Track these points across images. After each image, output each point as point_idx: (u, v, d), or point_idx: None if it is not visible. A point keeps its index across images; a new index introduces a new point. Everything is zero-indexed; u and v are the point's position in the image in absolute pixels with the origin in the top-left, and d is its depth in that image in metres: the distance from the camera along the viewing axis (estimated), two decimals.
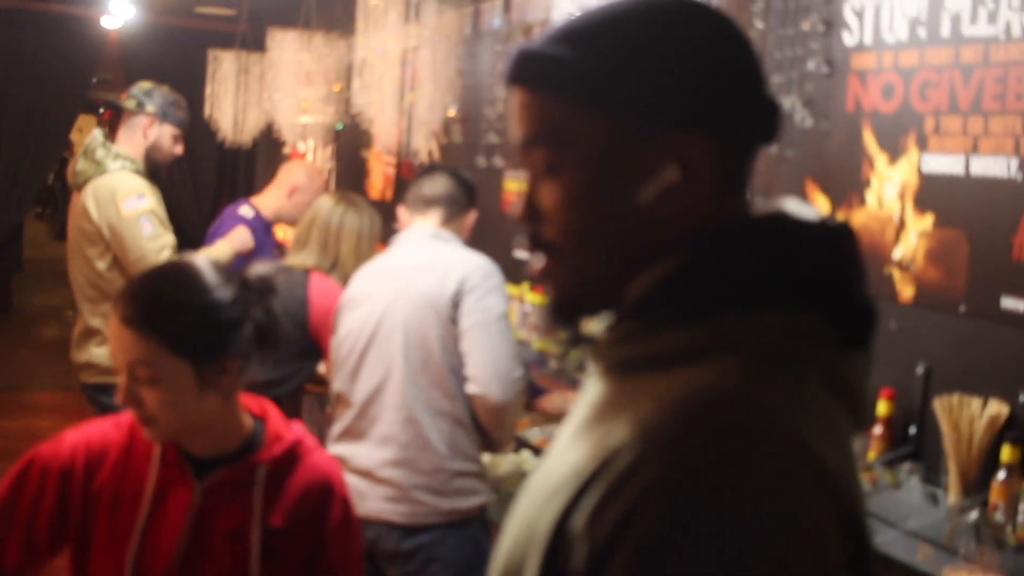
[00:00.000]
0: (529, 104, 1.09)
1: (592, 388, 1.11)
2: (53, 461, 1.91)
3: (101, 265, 4.07)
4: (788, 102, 3.22)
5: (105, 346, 4.07)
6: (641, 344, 1.04)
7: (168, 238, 4.06)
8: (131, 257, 3.99)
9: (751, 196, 1.11)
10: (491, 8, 5.14)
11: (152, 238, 4.00)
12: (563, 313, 1.12)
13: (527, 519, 1.04)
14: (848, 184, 3.07)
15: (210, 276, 1.86)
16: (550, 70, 1.06)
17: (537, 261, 1.11)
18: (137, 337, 1.78)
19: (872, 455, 2.80)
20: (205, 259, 1.93)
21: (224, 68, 7.64)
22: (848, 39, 3.09)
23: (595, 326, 1.12)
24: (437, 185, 3.23)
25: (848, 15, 3.08)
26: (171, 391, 1.80)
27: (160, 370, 1.79)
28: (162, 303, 1.82)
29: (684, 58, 1.04)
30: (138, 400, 1.81)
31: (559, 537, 0.96)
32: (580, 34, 1.06)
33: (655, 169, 1.04)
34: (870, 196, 2.99)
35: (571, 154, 1.06)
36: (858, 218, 3.03)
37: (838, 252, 1.06)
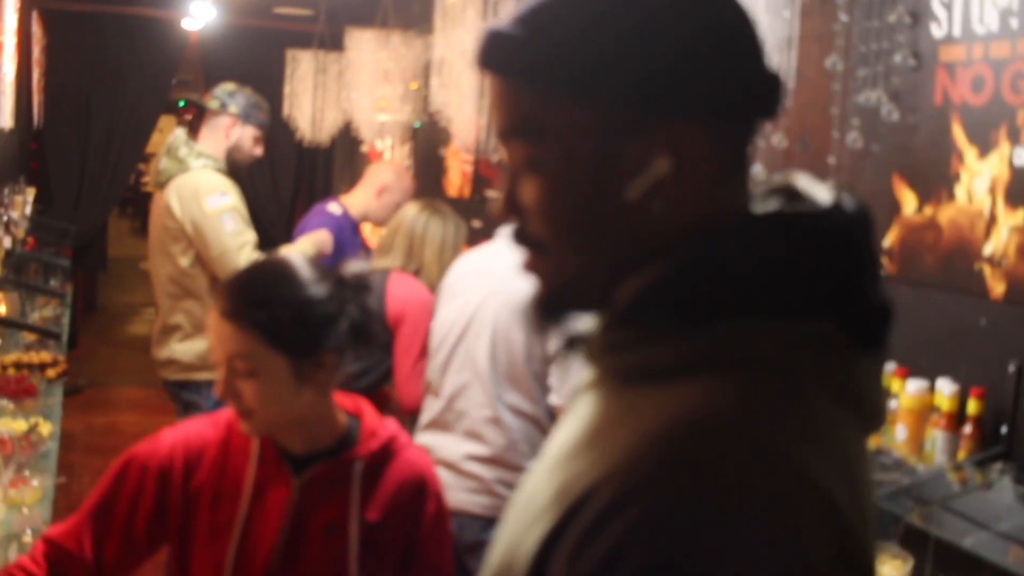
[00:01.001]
0: (503, 92, 0.98)
1: (586, 398, 1.02)
2: (152, 460, 1.95)
3: (184, 262, 4.13)
4: (874, 96, 3.18)
5: (187, 342, 4.13)
6: (631, 355, 0.95)
7: (249, 235, 4.11)
8: (213, 253, 4.04)
9: (750, 180, 1.02)
10: None
11: (234, 235, 4.05)
12: (548, 311, 1.03)
13: (512, 540, 0.96)
14: (936, 179, 3.01)
15: (307, 272, 1.89)
16: (522, 56, 0.95)
17: (522, 256, 1.03)
18: (236, 330, 1.82)
19: (962, 455, 2.75)
20: (302, 256, 1.97)
21: (302, 68, 7.72)
22: (936, 31, 3.03)
23: (587, 324, 1.04)
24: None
25: (936, 7, 3.03)
26: (269, 384, 1.83)
27: (258, 363, 1.82)
28: (261, 297, 1.86)
29: (673, 38, 0.93)
30: (236, 393, 1.84)
31: (540, 566, 0.88)
32: (557, 13, 0.95)
33: (644, 162, 0.94)
34: (959, 191, 2.94)
35: (550, 148, 0.96)
36: (947, 213, 2.97)
37: (851, 246, 0.97)
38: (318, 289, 1.88)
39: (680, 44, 0.93)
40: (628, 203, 0.94)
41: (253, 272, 1.96)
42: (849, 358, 0.95)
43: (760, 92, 0.98)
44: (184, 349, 4.13)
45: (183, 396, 4.17)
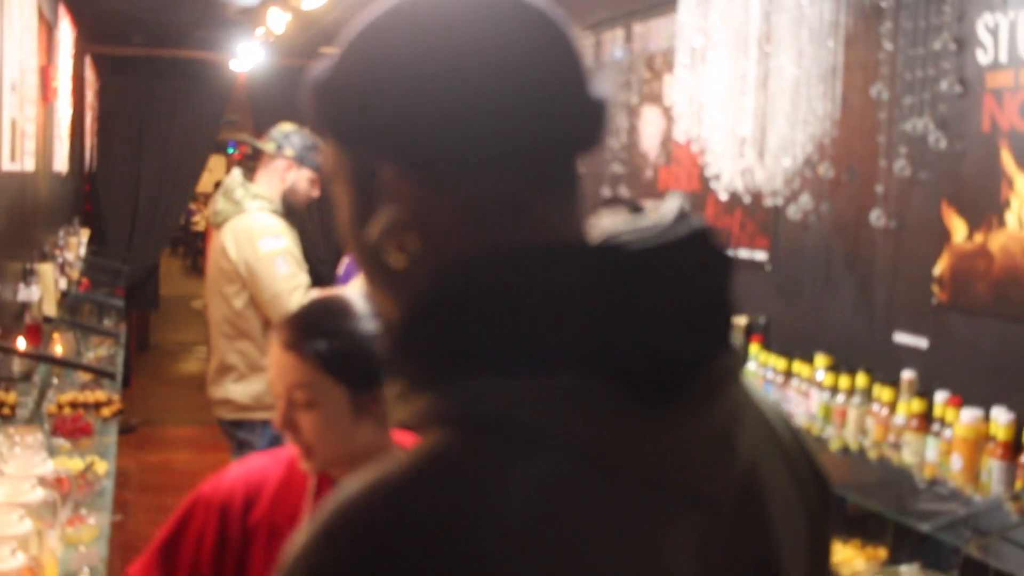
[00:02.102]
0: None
1: None
2: (215, 496, 1.98)
3: (238, 303, 4.17)
4: (921, 124, 3.16)
5: (242, 383, 4.16)
6: (398, 410, 0.87)
7: (302, 278, 4.14)
8: (265, 296, 4.08)
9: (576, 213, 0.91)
10: (612, 38, 5.16)
11: (287, 277, 4.08)
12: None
13: None
14: (986, 205, 2.99)
15: (364, 306, 1.92)
16: (308, 86, 0.93)
17: None
18: (296, 360, 1.85)
19: (1020, 484, 2.71)
20: (361, 292, 1.99)
21: None
22: (982, 57, 3.02)
23: None
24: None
25: (982, 33, 3.01)
26: (327, 416, 1.85)
27: (317, 394, 1.85)
28: (320, 328, 1.89)
29: (388, 79, 0.87)
30: (295, 425, 1.86)
31: None
32: (340, 43, 0.93)
33: (371, 204, 0.89)
34: (1010, 217, 2.91)
35: (337, 188, 0.94)
36: (997, 240, 2.95)
37: (644, 284, 0.84)
38: (376, 322, 1.91)
39: (392, 87, 0.87)
40: (370, 245, 0.89)
41: (314, 306, 2.00)
42: (614, 417, 0.81)
43: (542, 125, 0.88)
44: (239, 390, 4.17)
45: (238, 435, 4.20)
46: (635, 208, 0.94)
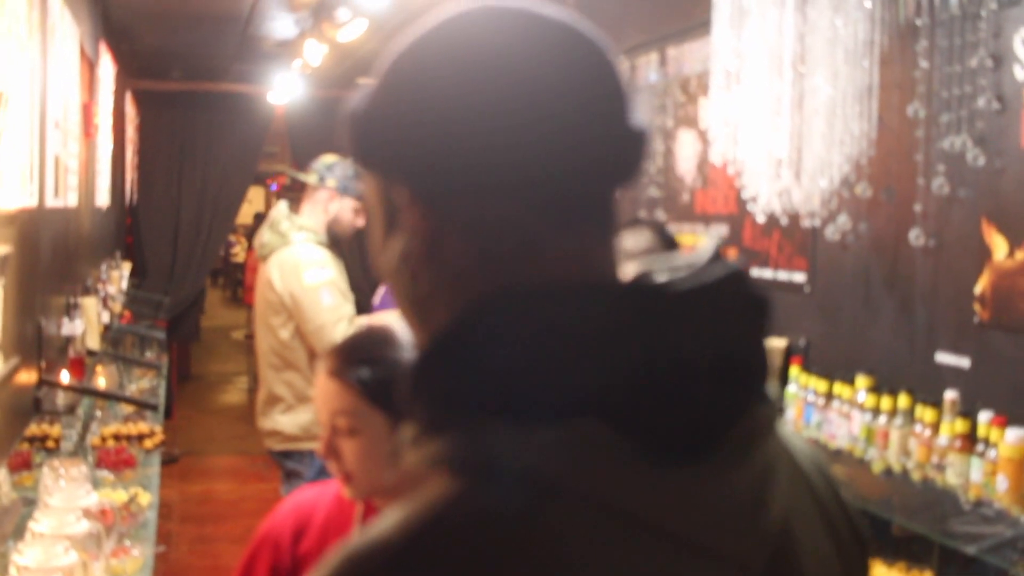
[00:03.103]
0: None
1: None
2: (270, 531, 2.02)
3: (284, 334, 4.20)
4: (959, 141, 3.14)
5: (290, 414, 4.19)
6: (411, 455, 0.84)
7: (347, 309, 4.17)
8: (310, 327, 4.11)
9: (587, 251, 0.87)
10: (647, 62, 5.17)
11: (331, 309, 4.11)
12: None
13: None
14: None
15: (408, 336, 1.94)
16: (344, 114, 0.93)
17: None
18: (340, 387, 1.88)
19: None
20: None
21: None
22: (1020, 73, 2.99)
23: None
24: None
25: (1018, 48, 2.99)
26: (369, 443, 1.87)
27: (360, 421, 1.87)
28: (364, 356, 1.91)
29: (409, 106, 0.86)
30: (337, 452, 1.89)
31: None
32: (377, 72, 0.92)
33: (392, 231, 0.88)
34: None
35: (368, 214, 0.94)
36: None
37: (680, 328, 0.80)
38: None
39: (422, 119, 0.85)
40: (394, 275, 0.89)
41: (359, 334, 2.03)
42: (635, 472, 0.77)
43: (569, 159, 0.85)
44: (287, 421, 4.20)
45: (287, 465, 4.23)
46: (658, 229, 0.92)
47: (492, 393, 0.78)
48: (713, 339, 0.81)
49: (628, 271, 0.87)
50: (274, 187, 19.23)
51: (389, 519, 0.78)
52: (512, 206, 0.84)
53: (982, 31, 3.08)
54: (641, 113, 0.90)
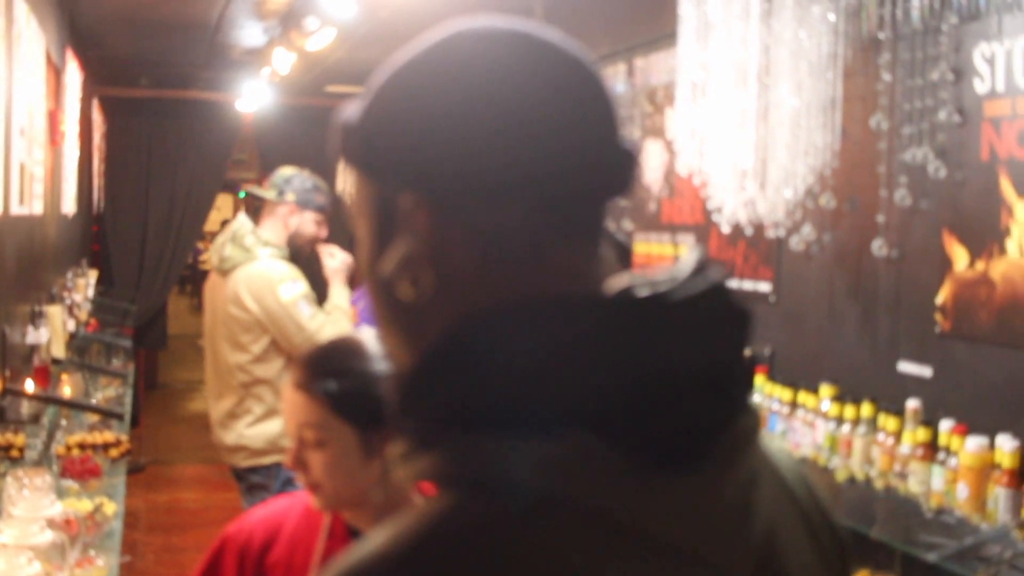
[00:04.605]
0: None
1: None
2: (237, 537, 2.01)
3: (256, 349, 4.18)
4: (920, 153, 3.18)
5: (258, 426, 4.16)
6: (403, 468, 0.84)
7: (321, 316, 4.18)
8: (296, 340, 4.10)
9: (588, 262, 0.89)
10: (614, 73, 5.20)
11: (311, 318, 4.13)
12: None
13: None
14: (987, 234, 3.00)
15: (376, 347, 1.94)
16: (337, 122, 0.94)
17: None
18: (307, 399, 1.88)
19: None
20: (374, 334, 2.01)
21: None
22: (979, 86, 3.04)
23: None
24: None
25: (978, 62, 3.04)
26: (336, 456, 1.87)
27: (326, 433, 1.87)
28: (331, 368, 1.91)
29: (415, 111, 0.88)
30: (305, 464, 1.89)
31: None
32: (370, 85, 0.93)
33: (390, 237, 0.89)
34: (1011, 245, 2.92)
35: (358, 222, 0.94)
36: (999, 268, 2.96)
37: (667, 341, 0.81)
38: (387, 363, 1.92)
39: (427, 125, 0.87)
40: (387, 284, 0.88)
41: (325, 347, 2.03)
42: (628, 483, 0.78)
43: (569, 169, 0.87)
44: (254, 434, 4.17)
45: (251, 479, 4.19)
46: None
47: (486, 407, 0.79)
48: (699, 351, 0.82)
49: (614, 283, 0.87)
50: (241, 194, 19.16)
51: (384, 533, 0.79)
52: (518, 211, 0.85)
53: (943, 45, 3.13)
54: (631, 135, 0.92)
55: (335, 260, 4.49)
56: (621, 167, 0.90)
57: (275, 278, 4.16)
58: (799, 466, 1.01)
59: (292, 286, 4.16)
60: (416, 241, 0.87)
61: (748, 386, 0.88)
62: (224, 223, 17.75)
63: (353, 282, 4.58)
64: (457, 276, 0.86)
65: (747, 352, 0.88)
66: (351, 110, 0.93)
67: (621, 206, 5.07)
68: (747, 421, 0.86)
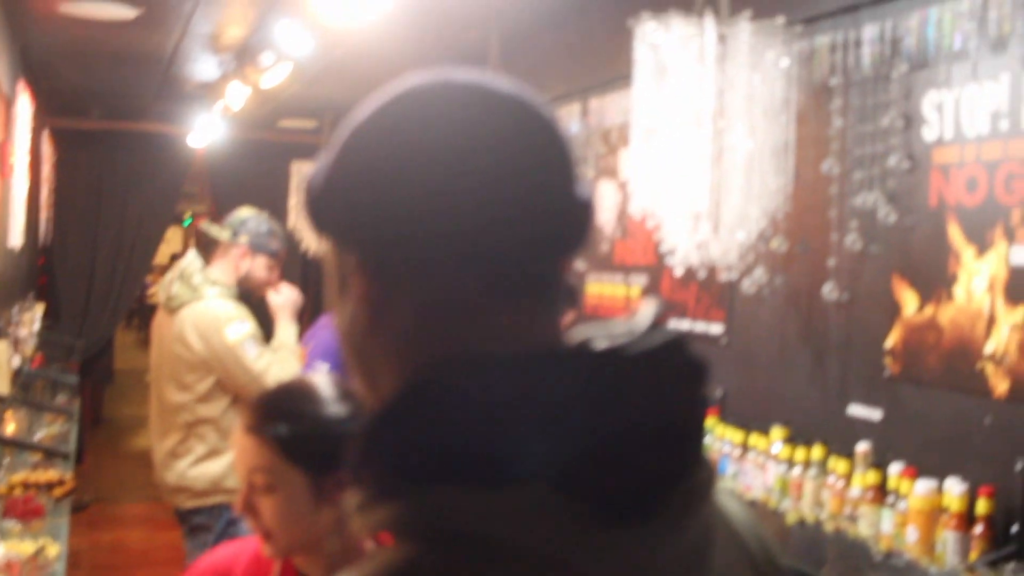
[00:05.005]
0: None
1: None
2: None
3: (201, 388, 4.12)
4: (871, 198, 3.22)
5: (200, 466, 4.10)
6: (360, 519, 0.85)
7: (268, 356, 4.13)
8: (242, 380, 4.05)
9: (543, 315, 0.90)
10: (569, 113, 5.22)
11: (257, 359, 4.08)
12: None
13: None
14: (935, 279, 3.04)
15: (329, 391, 1.91)
16: (306, 181, 0.96)
17: None
18: (257, 443, 1.85)
19: (974, 555, 2.73)
20: (326, 377, 1.99)
21: None
22: (928, 134, 3.08)
23: None
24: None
25: (927, 110, 3.08)
26: (287, 501, 1.84)
27: (277, 478, 1.84)
28: (281, 412, 1.89)
29: (358, 178, 0.89)
30: (255, 510, 1.85)
31: None
32: (331, 143, 0.95)
33: (344, 295, 0.92)
34: (958, 290, 2.96)
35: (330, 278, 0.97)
36: (947, 313, 2.99)
37: (622, 394, 0.82)
38: (340, 408, 1.90)
39: (367, 184, 0.89)
40: (350, 336, 0.92)
41: (277, 390, 2.00)
42: (583, 535, 0.79)
43: (515, 231, 0.87)
44: (196, 475, 4.10)
45: (194, 520, 4.13)
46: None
47: (442, 458, 0.79)
48: (655, 405, 0.83)
49: (572, 336, 0.88)
50: (189, 223, 19.02)
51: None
52: (453, 279, 0.87)
53: (893, 92, 3.17)
54: (588, 187, 0.93)
55: (280, 296, 4.45)
56: (573, 223, 0.91)
57: (221, 318, 4.11)
58: (754, 520, 1.02)
59: (239, 326, 4.11)
60: (359, 302, 0.90)
61: (702, 441, 0.89)
62: (173, 257, 17.61)
63: (301, 319, 4.54)
64: (398, 337, 0.88)
65: (704, 407, 0.89)
66: (314, 167, 0.95)
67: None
68: (702, 475, 0.87)
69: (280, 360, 4.12)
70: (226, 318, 4.11)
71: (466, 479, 0.78)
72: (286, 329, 4.38)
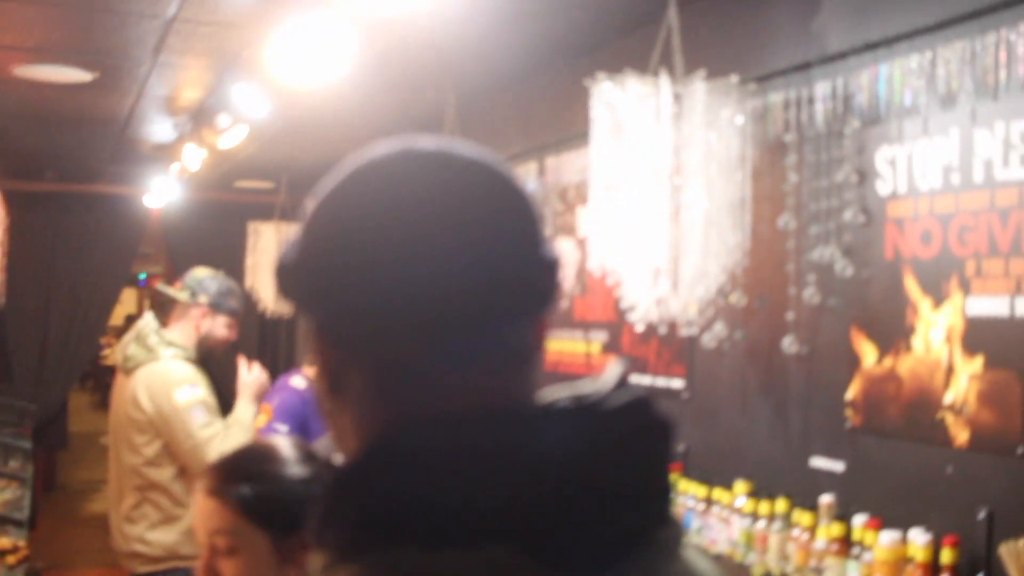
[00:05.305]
0: None
1: None
2: None
3: (149, 452, 4.07)
4: (827, 252, 3.26)
5: (153, 533, 4.04)
6: None
7: (217, 426, 4.07)
8: (184, 446, 3.99)
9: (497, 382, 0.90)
10: (526, 171, 5.26)
11: (204, 426, 4.01)
12: None
13: None
14: (893, 331, 3.07)
15: (291, 452, 1.91)
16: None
17: None
18: (219, 506, 1.83)
19: None
20: (288, 438, 1.98)
21: (264, 239, 7.81)
22: (882, 188, 3.14)
23: None
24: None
25: (881, 165, 3.14)
26: (250, 564, 1.82)
27: (239, 540, 1.82)
28: (243, 473, 1.87)
29: (316, 250, 0.92)
30: (217, 573, 1.83)
31: None
32: (304, 211, 0.98)
33: (313, 361, 0.95)
34: (916, 341, 3.00)
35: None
36: (906, 364, 3.03)
37: (586, 452, 0.83)
38: (302, 469, 1.89)
39: (320, 261, 0.91)
40: (328, 410, 0.95)
41: (238, 452, 1.99)
42: None
43: (474, 298, 0.87)
44: (151, 540, 4.05)
45: None
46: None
47: (403, 519, 0.80)
48: (621, 463, 0.84)
49: (538, 397, 0.90)
50: (143, 283, 18.86)
51: None
52: (406, 348, 0.88)
53: (846, 148, 3.23)
54: (552, 249, 0.94)
55: (249, 376, 4.42)
56: (542, 282, 0.92)
57: (173, 380, 4.07)
58: None
59: (189, 390, 4.06)
60: (321, 367, 0.93)
61: (668, 499, 0.89)
62: (128, 318, 17.43)
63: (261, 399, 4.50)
64: (356, 401, 0.91)
65: (669, 465, 0.89)
66: (291, 236, 0.98)
67: None
68: (668, 533, 0.88)
69: (229, 435, 4.04)
70: (177, 380, 4.07)
71: (427, 540, 0.78)
72: (245, 407, 4.35)
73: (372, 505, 0.82)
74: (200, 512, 1.87)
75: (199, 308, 4.26)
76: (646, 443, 0.87)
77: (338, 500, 0.84)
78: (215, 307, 4.28)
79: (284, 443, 1.96)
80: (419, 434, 0.83)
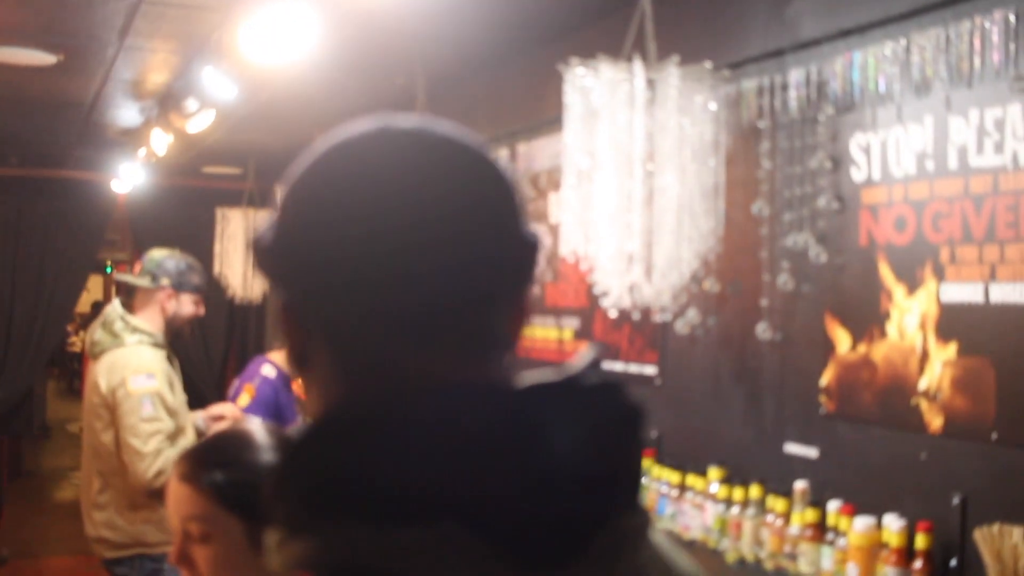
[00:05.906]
0: None
1: None
2: None
3: (106, 438, 4.03)
4: (801, 239, 3.26)
5: (120, 516, 4.02)
6: (273, 557, 0.85)
7: (165, 424, 3.95)
8: (124, 434, 3.92)
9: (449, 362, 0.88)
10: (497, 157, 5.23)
11: (148, 419, 3.92)
12: None
13: None
14: (867, 317, 3.08)
15: (264, 438, 1.90)
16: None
17: None
18: (192, 492, 1.83)
19: None
20: (261, 425, 1.97)
21: (232, 225, 7.76)
22: (856, 175, 3.14)
23: None
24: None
25: (855, 151, 3.14)
26: (223, 549, 1.81)
27: (212, 526, 1.81)
28: (216, 460, 1.87)
29: (290, 231, 0.91)
30: (190, 560, 1.82)
31: None
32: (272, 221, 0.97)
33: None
34: (891, 328, 3.00)
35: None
36: (880, 350, 3.03)
37: (546, 431, 0.81)
38: (275, 455, 1.88)
39: (286, 234, 0.91)
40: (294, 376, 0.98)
41: (211, 439, 1.98)
42: (485, 574, 0.78)
43: (443, 277, 0.87)
44: (117, 526, 4.03)
45: (116, 570, 4.06)
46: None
47: (352, 495, 0.79)
48: (584, 446, 0.81)
49: (506, 380, 0.87)
50: (110, 270, 18.71)
51: None
52: (372, 326, 0.87)
53: (820, 134, 3.23)
54: (530, 229, 0.93)
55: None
56: (520, 262, 0.92)
57: (131, 366, 4.02)
58: (696, 568, 1.00)
59: (145, 379, 4.00)
60: (288, 341, 0.93)
61: (635, 486, 0.87)
62: (95, 305, 17.28)
63: (227, 367, 4.49)
64: (319, 375, 0.91)
65: (640, 452, 0.87)
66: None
67: None
68: (633, 522, 0.86)
69: (173, 446, 3.94)
70: (135, 367, 4.03)
71: (376, 516, 0.78)
72: (198, 419, 4.33)
73: (321, 480, 0.81)
74: (173, 498, 1.86)
75: (163, 291, 4.22)
76: (612, 427, 0.85)
77: (289, 475, 0.83)
78: (178, 287, 4.25)
79: (258, 429, 1.94)
80: (371, 409, 0.82)
